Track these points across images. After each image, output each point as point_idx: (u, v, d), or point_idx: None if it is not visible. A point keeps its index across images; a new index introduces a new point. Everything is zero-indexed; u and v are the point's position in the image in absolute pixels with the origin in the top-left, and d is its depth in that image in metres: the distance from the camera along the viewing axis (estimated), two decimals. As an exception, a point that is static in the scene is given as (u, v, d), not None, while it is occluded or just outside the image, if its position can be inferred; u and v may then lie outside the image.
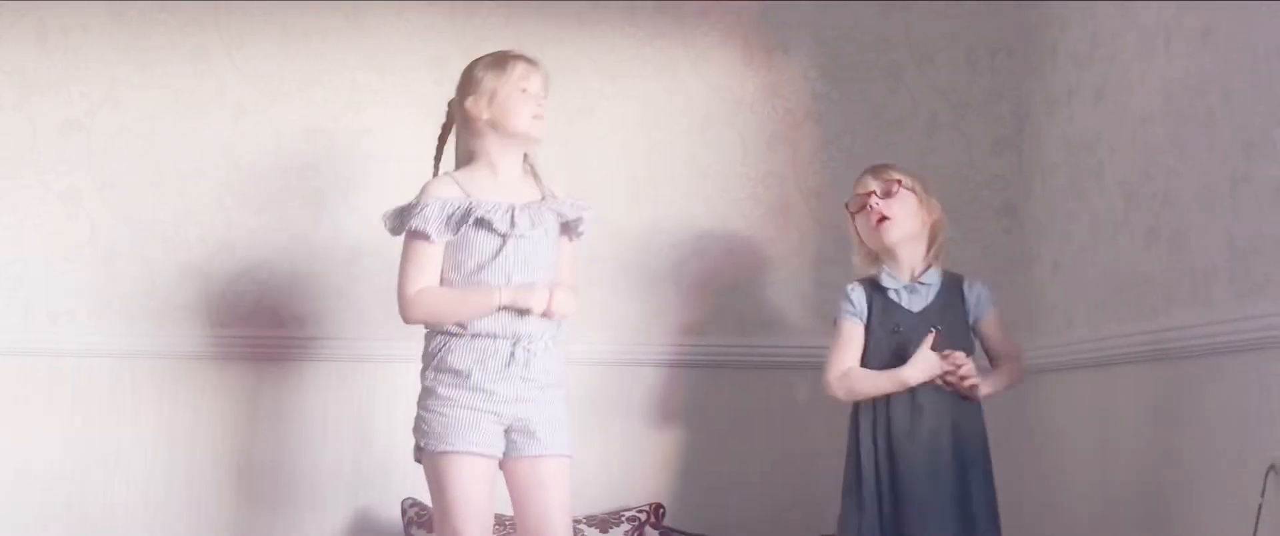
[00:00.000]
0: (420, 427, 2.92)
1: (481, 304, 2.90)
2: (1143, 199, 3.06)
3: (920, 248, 3.07)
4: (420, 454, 2.94)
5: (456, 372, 2.90)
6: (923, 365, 2.93)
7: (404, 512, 3.49)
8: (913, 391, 2.94)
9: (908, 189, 3.05)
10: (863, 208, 3.06)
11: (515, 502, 2.96)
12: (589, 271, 3.69)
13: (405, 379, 3.66)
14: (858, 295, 3.05)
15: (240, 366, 3.68)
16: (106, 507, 3.64)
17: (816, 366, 3.10)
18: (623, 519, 3.53)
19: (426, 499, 3.48)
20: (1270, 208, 2.51)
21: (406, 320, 2.96)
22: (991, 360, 3.13)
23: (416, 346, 3.64)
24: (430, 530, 3.42)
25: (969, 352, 3.01)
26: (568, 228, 3.07)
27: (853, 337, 3.04)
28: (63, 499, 3.64)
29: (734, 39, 3.81)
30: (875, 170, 3.11)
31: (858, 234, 3.12)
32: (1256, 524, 2.48)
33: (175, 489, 3.64)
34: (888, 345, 3.01)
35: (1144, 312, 3.04)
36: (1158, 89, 3.00)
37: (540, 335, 2.93)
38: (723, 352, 3.69)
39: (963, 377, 2.93)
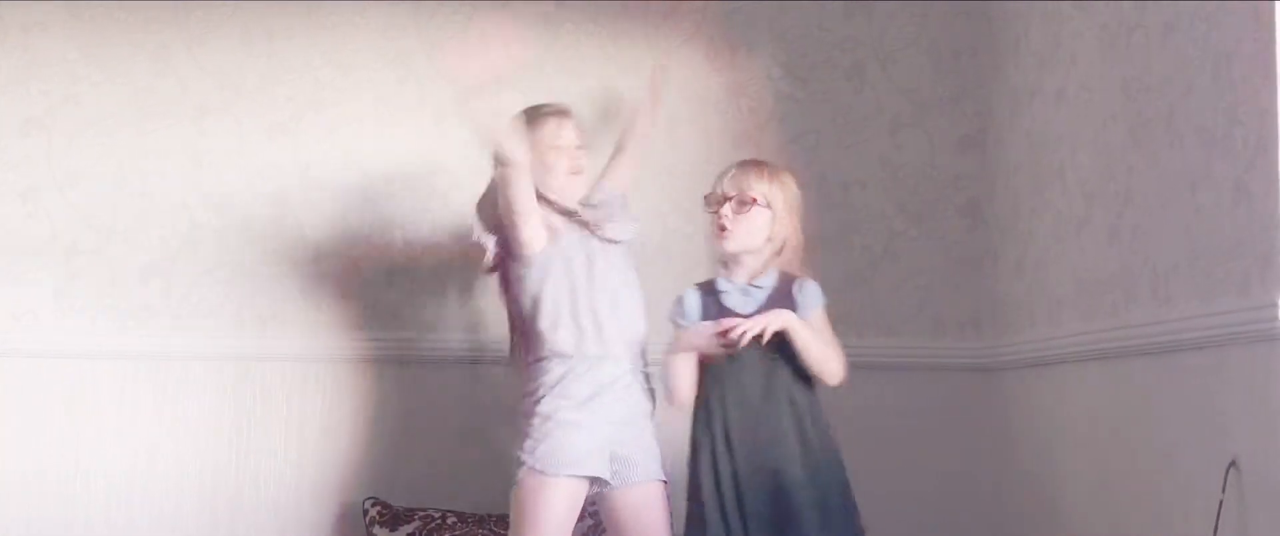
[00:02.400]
0: (534, 451, 2.93)
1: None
2: (1104, 197, 3.08)
3: (763, 256, 3.02)
4: (523, 472, 2.93)
5: (580, 397, 2.95)
6: (693, 334, 2.92)
7: (365, 512, 3.48)
8: (754, 433, 2.90)
9: (763, 206, 3.00)
10: (716, 209, 3.01)
11: (619, 529, 3.02)
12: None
13: (368, 379, 3.67)
14: (692, 300, 3.02)
15: (203, 366, 3.66)
16: (68, 508, 3.61)
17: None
18: (585, 514, 3.52)
19: (387, 497, 3.49)
20: (1230, 206, 2.53)
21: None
22: None
23: (379, 346, 3.65)
24: (392, 529, 3.41)
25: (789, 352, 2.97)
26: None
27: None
28: (22, 500, 3.60)
29: (698, 39, 3.81)
30: (741, 172, 3.04)
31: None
32: (1217, 520, 2.49)
33: (137, 489, 3.62)
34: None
35: (1105, 310, 3.06)
36: (1118, 88, 3.01)
37: (641, 361, 3.05)
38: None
39: (728, 330, 2.88)
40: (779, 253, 3.02)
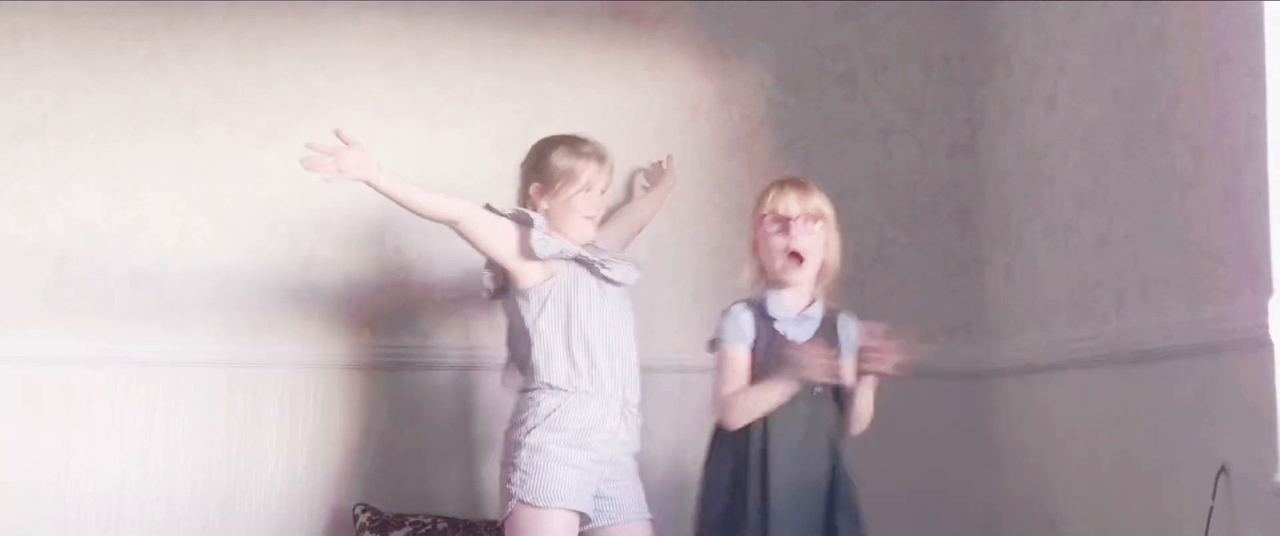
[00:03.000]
0: (525, 484, 2.92)
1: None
2: (1094, 204, 3.09)
3: (811, 284, 2.99)
4: (516, 507, 2.93)
5: (570, 432, 2.96)
6: (814, 363, 2.83)
7: (356, 518, 3.48)
8: (794, 465, 2.87)
9: (824, 226, 2.97)
10: (782, 231, 2.95)
11: None
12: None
13: (359, 386, 3.67)
14: (746, 320, 2.95)
15: (194, 373, 3.65)
16: (59, 515, 3.60)
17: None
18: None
19: (377, 503, 3.48)
20: (1219, 212, 2.54)
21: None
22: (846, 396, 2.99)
23: (370, 353, 3.65)
24: (383, 535, 3.41)
25: (839, 393, 2.95)
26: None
27: (742, 363, 2.94)
28: (13, 506, 3.59)
29: (690, 45, 3.82)
30: (799, 191, 2.98)
31: (757, 246, 3.00)
32: (1208, 525, 2.50)
33: (128, 496, 3.61)
34: (771, 376, 2.89)
35: (1095, 316, 3.07)
36: (1108, 95, 3.03)
37: (636, 396, 3.06)
38: (680, 358, 3.69)
39: (875, 350, 2.85)
40: (824, 276, 2.99)
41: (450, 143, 3.74)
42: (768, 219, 2.97)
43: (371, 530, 3.42)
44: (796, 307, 2.97)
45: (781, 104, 3.82)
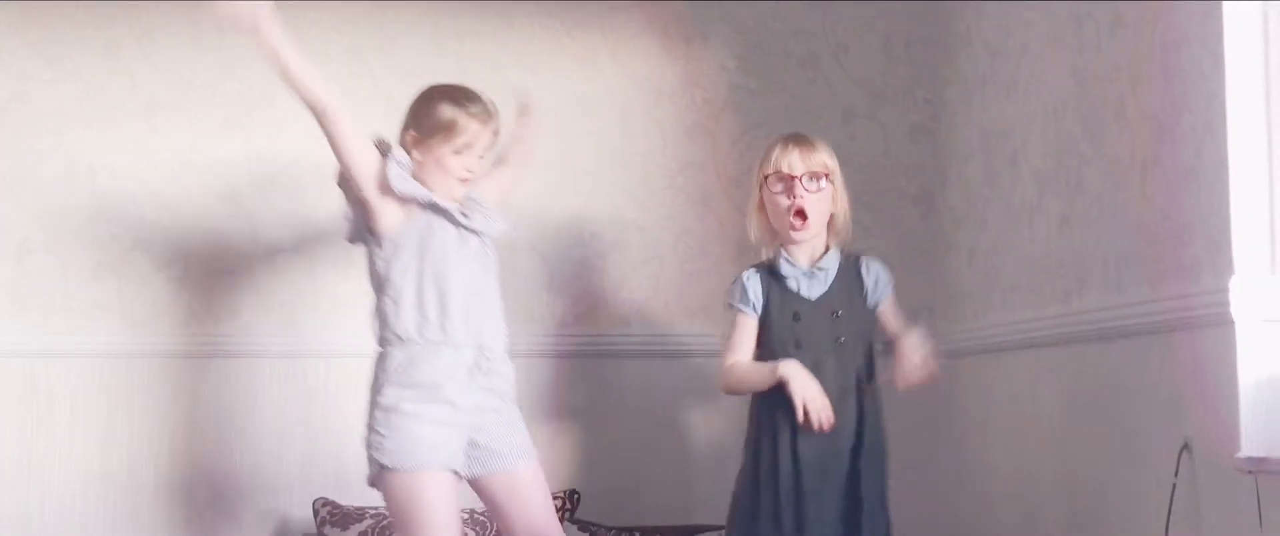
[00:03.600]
0: (383, 447, 2.75)
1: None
2: (1055, 185, 3.11)
3: (823, 235, 2.98)
4: (379, 473, 2.77)
5: (423, 386, 2.78)
6: (804, 380, 2.82)
7: (316, 513, 3.46)
8: (824, 382, 2.85)
9: (830, 181, 2.94)
10: (786, 191, 2.92)
11: (497, 517, 2.91)
12: (510, 263, 3.67)
13: (321, 376, 3.66)
14: (754, 286, 2.95)
15: (156, 365, 3.63)
16: (22, 510, 3.57)
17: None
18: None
19: (338, 498, 3.47)
20: (1179, 192, 2.56)
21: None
22: (889, 341, 3.00)
23: (333, 343, 3.63)
24: (344, 528, 3.39)
25: (867, 337, 2.96)
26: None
27: (747, 330, 2.95)
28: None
29: (653, 29, 3.82)
30: (802, 149, 2.93)
31: (763, 205, 2.98)
32: (1171, 502, 2.52)
33: (91, 490, 3.59)
34: (789, 335, 2.92)
35: (1058, 297, 3.09)
36: (1069, 77, 3.04)
37: (497, 345, 2.86)
38: (647, 342, 3.70)
39: (917, 363, 2.86)
40: (835, 227, 2.97)
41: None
42: (772, 178, 2.94)
43: (332, 523, 3.40)
44: (809, 260, 2.95)
45: (743, 87, 3.83)
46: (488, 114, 2.88)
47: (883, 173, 3.82)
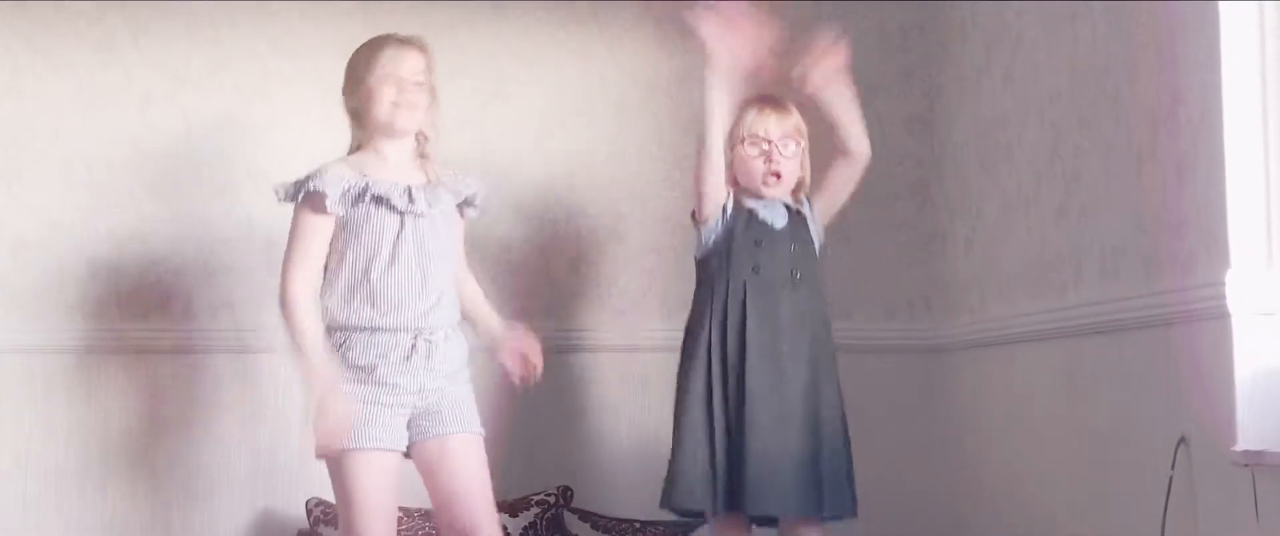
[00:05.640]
0: (318, 426, 2.78)
1: (308, 364, 2.80)
2: (1051, 177, 3.11)
3: (787, 193, 3.10)
4: (316, 451, 2.82)
5: (358, 368, 2.80)
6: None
7: (309, 512, 3.46)
8: (776, 347, 2.91)
9: (801, 141, 3.07)
10: (763, 155, 3.03)
11: (428, 486, 2.89)
12: (505, 257, 3.68)
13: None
14: (728, 200, 3.04)
15: (151, 360, 3.63)
16: (16, 504, 3.57)
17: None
18: (531, 503, 3.52)
19: (332, 498, 3.46)
20: (1175, 184, 2.56)
21: (282, 308, 2.84)
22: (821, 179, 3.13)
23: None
24: (338, 527, 3.39)
25: (816, 274, 3.04)
26: (462, 206, 3.00)
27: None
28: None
29: (648, 23, 3.81)
30: (778, 113, 3.05)
31: (734, 165, 3.05)
32: (1168, 495, 2.53)
33: (85, 485, 3.59)
34: (749, 257, 3.00)
35: (1054, 289, 3.09)
36: (1065, 68, 3.04)
37: (439, 327, 2.87)
38: (642, 337, 3.70)
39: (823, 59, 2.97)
40: (800, 184, 3.09)
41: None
42: (748, 141, 3.04)
43: (326, 523, 3.40)
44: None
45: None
46: (402, 38, 2.92)
47: (878, 164, 3.77)
